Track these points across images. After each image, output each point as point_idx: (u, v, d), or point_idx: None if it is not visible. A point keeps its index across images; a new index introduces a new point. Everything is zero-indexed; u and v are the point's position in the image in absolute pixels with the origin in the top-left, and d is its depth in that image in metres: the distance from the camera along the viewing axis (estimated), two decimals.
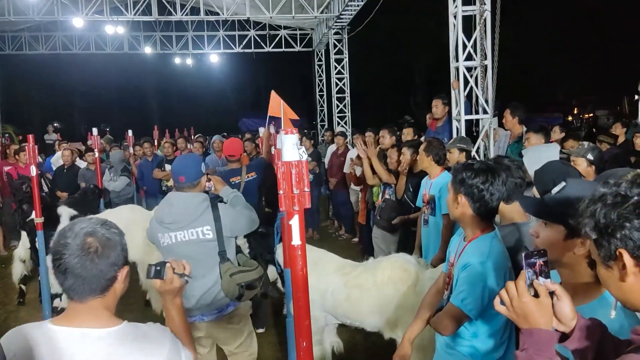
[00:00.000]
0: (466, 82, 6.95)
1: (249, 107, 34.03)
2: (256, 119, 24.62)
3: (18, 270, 7.17)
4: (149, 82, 36.08)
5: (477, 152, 6.80)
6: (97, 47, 19.26)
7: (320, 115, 18.65)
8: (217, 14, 14.88)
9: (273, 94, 6.88)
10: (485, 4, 6.75)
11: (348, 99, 16.83)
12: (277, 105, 6.94)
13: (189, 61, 25.27)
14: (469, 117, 6.96)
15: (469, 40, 6.88)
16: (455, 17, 6.90)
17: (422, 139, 6.43)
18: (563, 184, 2.07)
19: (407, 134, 7.06)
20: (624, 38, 24.76)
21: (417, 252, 5.23)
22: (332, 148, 10.58)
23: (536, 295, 1.53)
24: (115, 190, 9.20)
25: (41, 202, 6.36)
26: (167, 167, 9.28)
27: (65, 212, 6.78)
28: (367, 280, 4.25)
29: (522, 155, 4.10)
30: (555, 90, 33.99)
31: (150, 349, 1.81)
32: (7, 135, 17.46)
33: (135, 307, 6.59)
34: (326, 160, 10.56)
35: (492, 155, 6.55)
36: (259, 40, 19.14)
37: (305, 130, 16.50)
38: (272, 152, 7.39)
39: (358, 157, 8.36)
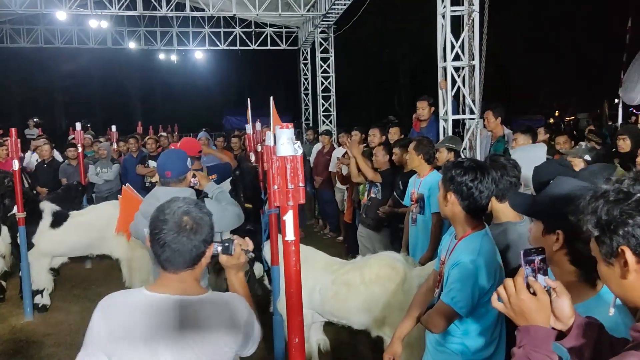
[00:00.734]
0: (454, 82, 6.97)
1: (233, 105, 33.83)
2: (240, 117, 24.53)
3: None
4: (132, 78, 35.68)
5: (462, 151, 6.83)
6: (80, 42, 18.96)
7: (305, 114, 18.62)
8: (203, 10, 14.75)
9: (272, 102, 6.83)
10: (473, 4, 6.78)
11: (334, 98, 16.82)
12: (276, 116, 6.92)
13: (174, 57, 25.06)
14: (456, 117, 6.99)
15: (457, 41, 6.91)
16: (443, 17, 6.92)
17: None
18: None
19: (394, 133, 7.08)
20: (605, 41, 25.04)
21: (404, 250, 5.24)
22: (317, 147, 10.57)
23: (534, 292, 1.53)
24: (108, 179, 9.11)
25: (23, 197, 6.27)
26: (151, 163, 9.20)
27: (47, 208, 6.68)
28: (355, 278, 4.25)
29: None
30: (536, 93, 34.31)
31: (232, 314, 2.05)
32: None
33: None
34: (312, 158, 10.55)
35: (478, 155, 6.58)
36: (245, 38, 19.02)
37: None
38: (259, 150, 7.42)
39: (344, 155, 8.37)
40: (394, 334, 2.97)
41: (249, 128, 7.29)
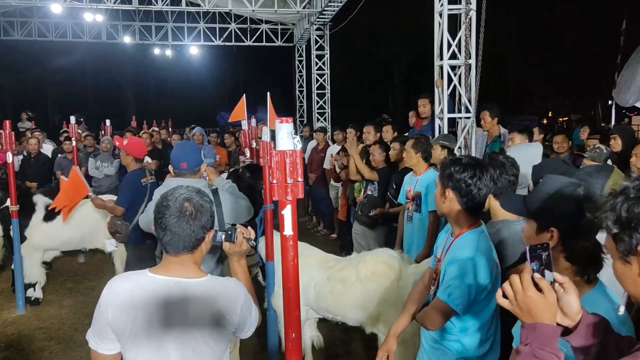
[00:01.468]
0: (450, 80, 6.98)
1: (227, 101, 33.72)
2: None
3: None
4: (126, 73, 35.55)
5: (456, 150, 6.84)
6: (74, 35, 18.86)
7: (299, 111, 18.61)
8: (199, 5, 14.71)
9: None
10: (471, 3, 6.79)
11: (328, 95, 16.82)
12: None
13: (168, 52, 24.97)
14: (452, 115, 7.00)
15: (453, 39, 6.92)
16: (440, 15, 6.93)
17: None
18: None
19: (387, 131, 7.09)
20: (600, 43, 25.16)
21: (399, 248, 5.23)
22: (312, 144, 10.56)
23: (540, 289, 1.48)
24: (109, 174, 9.04)
25: (16, 189, 6.23)
26: (146, 158, 9.16)
27: (40, 201, 6.65)
28: (350, 275, 4.25)
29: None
30: (530, 93, 34.45)
31: (229, 297, 2.16)
32: None
33: None
34: (306, 155, 10.53)
35: (473, 154, 6.59)
36: (240, 34, 18.98)
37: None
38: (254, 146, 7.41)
39: (339, 152, 8.36)
40: (389, 331, 2.96)
41: (244, 124, 7.29)
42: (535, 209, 2.07)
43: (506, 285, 1.52)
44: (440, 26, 6.94)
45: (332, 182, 9.31)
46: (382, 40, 29.83)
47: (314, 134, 10.87)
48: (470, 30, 6.84)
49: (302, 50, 18.42)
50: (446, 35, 6.88)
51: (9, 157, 6.04)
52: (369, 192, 6.04)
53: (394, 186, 5.64)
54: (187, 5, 14.81)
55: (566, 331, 1.56)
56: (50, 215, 6.51)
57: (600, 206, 1.38)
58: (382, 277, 4.12)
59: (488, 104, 6.74)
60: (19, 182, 6.56)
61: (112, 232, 5.30)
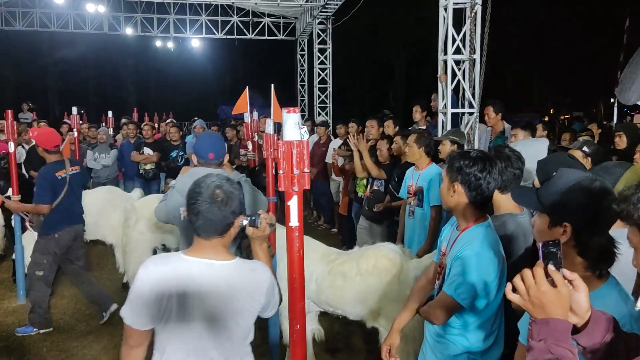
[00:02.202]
0: (454, 75, 6.96)
1: (228, 95, 33.64)
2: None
3: None
4: (127, 65, 35.46)
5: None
6: (75, 26, 18.77)
7: (300, 105, 18.57)
8: None
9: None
10: None
11: (330, 89, 16.78)
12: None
13: (170, 45, 24.91)
14: (455, 110, 6.98)
15: (458, 34, 6.89)
16: (445, 9, 6.90)
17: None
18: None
19: (388, 126, 7.08)
20: (603, 41, 25.08)
21: (400, 242, 5.22)
22: (313, 138, 10.53)
23: (553, 284, 1.44)
24: (106, 165, 9.04)
25: (19, 179, 6.22)
26: (146, 150, 9.15)
27: None
28: (351, 269, 4.24)
29: None
30: (531, 91, 34.38)
31: (257, 278, 2.31)
32: None
33: (112, 289, 6.49)
34: None
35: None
36: (242, 27, 18.91)
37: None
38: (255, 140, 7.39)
39: (341, 146, 8.34)
40: (392, 325, 2.94)
41: (247, 117, 7.27)
42: (550, 203, 2.04)
43: (517, 279, 1.47)
44: (445, 20, 6.91)
45: (333, 176, 9.29)
46: (384, 35, 29.72)
47: (315, 128, 10.85)
48: (475, 25, 6.81)
49: (304, 44, 18.37)
50: (451, 29, 6.85)
51: (11, 146, 6.03)
52: (376, 188, 6.03)
53: (396, 179, 5.62)
54: None
55: (574, 330, 1.51)
56: None
57: (626, 199, 1.35)
58: (383, 271, 4.11)
59: (492, 99, 6.74)
60: (22, 172, 6.54)
61: (28, 220, 5.38)
